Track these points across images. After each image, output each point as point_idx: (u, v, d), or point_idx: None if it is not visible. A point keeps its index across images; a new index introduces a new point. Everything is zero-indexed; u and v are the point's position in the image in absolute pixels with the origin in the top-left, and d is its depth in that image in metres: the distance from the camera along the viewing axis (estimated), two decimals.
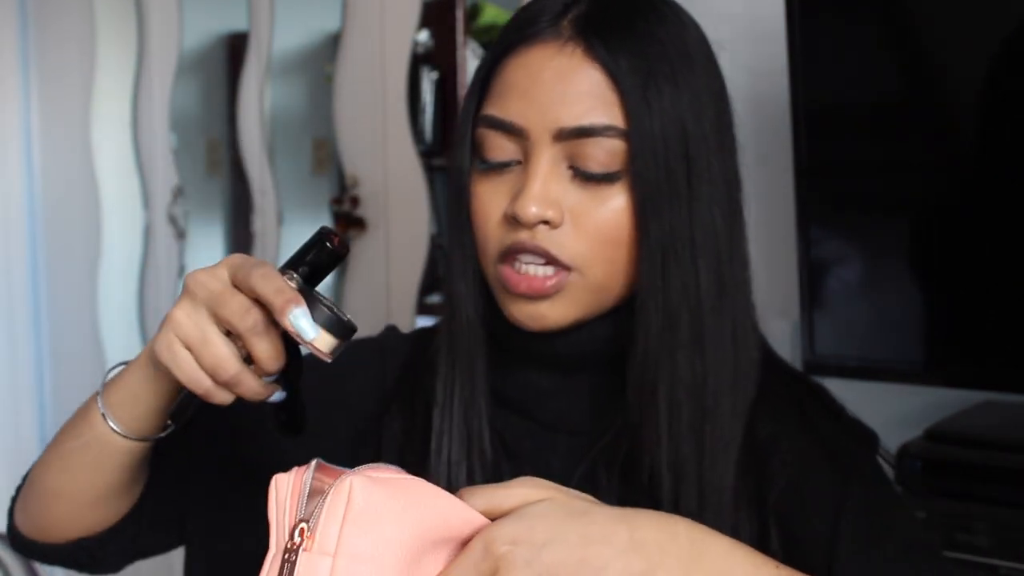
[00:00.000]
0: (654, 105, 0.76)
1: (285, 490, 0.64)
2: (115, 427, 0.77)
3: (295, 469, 0.66)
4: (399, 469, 0.67)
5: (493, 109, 0.80)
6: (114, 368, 0.80)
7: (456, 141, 0.83)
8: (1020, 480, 1.24)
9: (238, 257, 0.71)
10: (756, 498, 0.80)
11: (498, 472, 0.84)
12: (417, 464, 0.85)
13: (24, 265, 3.06)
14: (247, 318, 0.68)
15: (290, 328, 0.67)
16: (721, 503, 0.78)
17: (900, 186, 1.40)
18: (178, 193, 2.82)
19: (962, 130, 1.35)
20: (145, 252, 2.91)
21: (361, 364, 0.93)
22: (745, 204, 0.84)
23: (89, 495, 0.82)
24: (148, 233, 2.90)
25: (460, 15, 2.22)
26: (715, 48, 0.84)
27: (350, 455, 0.87)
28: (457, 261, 0.84)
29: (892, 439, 1.36)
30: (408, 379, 0.91)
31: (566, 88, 0.77)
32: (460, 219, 0.83)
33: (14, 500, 0.90)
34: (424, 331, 0.95)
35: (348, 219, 2.39)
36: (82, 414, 0.81)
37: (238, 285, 0.69)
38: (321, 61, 2.57)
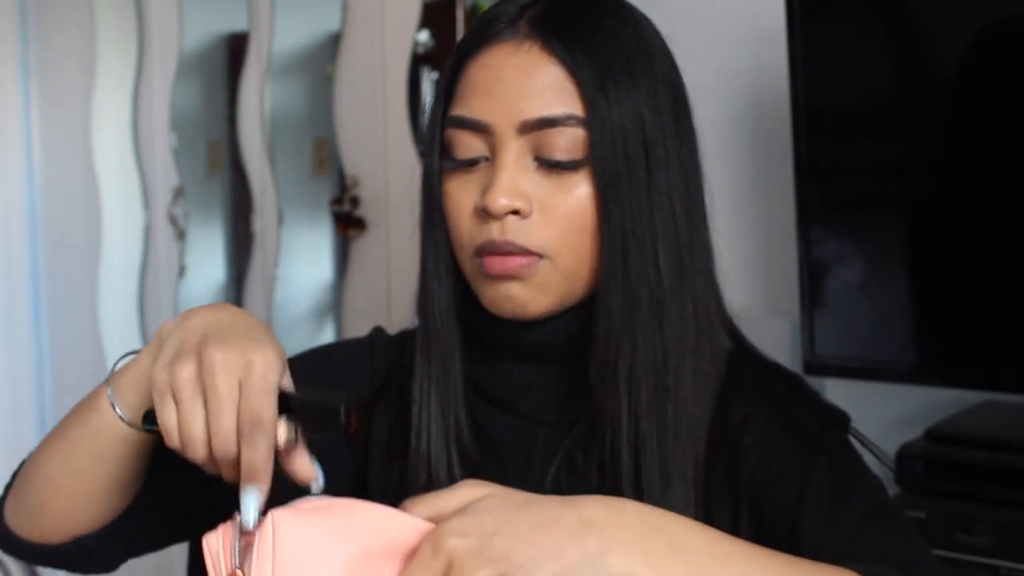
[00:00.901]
0: (611, 95, 0.80)
1: (216, 546, 0.65)
2: (122, 414, 0.77)
3: (221, 525, 0.67)
4: (329, 498, 0.67)
5: (459, 109, 0.83)
6: (122, 359, 0.80)
7: (425, 144, 0.87)
8: (1020, 480, 1.24)
9: (261, 364, 0.68)
10: (728, 479, 0.82)
11: (480, 465, 0.85)
12: (402, 461, 0.87)
13: (24, 265, 3.06)
14: (225, 449, 0.68)
15: (241, 500, 0.68)
16: (686, 479, 0.80)
17: (900, 186, 1.41)
18: (178, 193, 2.82)
19: (962, 130, 1.35)
20: (145, 252, 2.91)
21: (354, 364, 0.95)
22: (708, 193, 0.87)
23: (90, 487, 0.81)
24: (148, 233, 2.90)
25: (460, 15, 2.23)
26: (669, 43, 0.87)
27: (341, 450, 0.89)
28: (430, 260, 0.87)
29: (892, 439, 1.36)
30: (394, 376, 0.93)
31: (527, 83, 0.80)
32: (432, 219, 0.86)
33: (3, 499, 0.88)
34: (409, 332, 0.97)
35: (348, 219, 2.39)
36: (88, 401, 0.80)
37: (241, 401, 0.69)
38: (321, 61, 2.57)
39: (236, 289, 2.80)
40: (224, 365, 0.68)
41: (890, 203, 1.42)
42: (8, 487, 0.88)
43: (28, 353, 3.07)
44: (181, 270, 2.84)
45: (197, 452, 0.70)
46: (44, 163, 3.08)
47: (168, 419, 0.70)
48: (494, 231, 0.81)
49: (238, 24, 2.68)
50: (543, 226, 0.81)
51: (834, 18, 1.43)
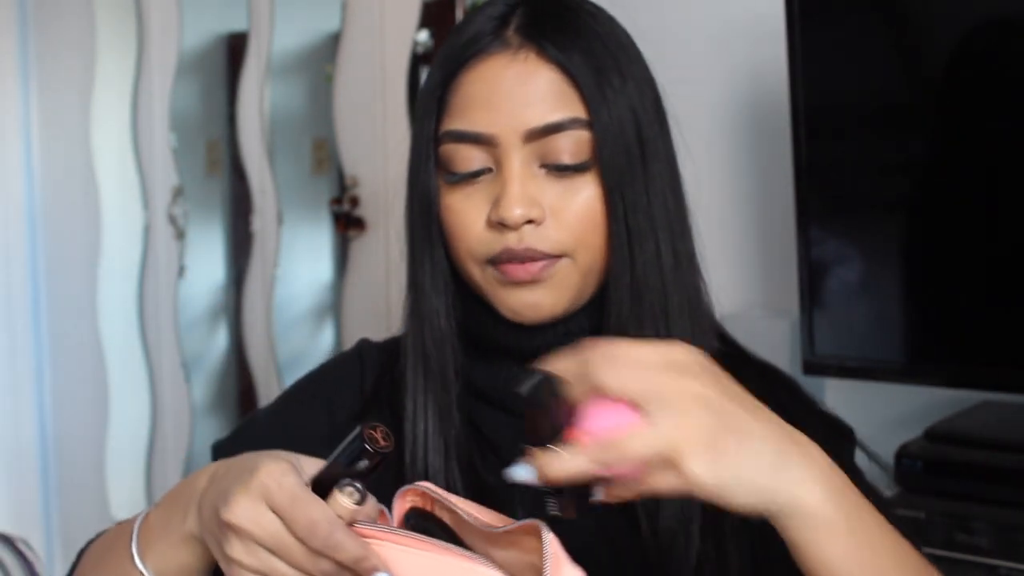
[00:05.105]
0: (608, 95, 0.82)
1: None
2: None
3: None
4: None
5: (457, 123, 0.83)
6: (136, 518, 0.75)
7: (417, 161, 0.86)
8: (1020, 480, 1.24)
9: (271, 481, 0.64)
10: None
11: (477, 472, 0.86)
12: (397, 474, 0.85)
13: (24, 265, 3.06)
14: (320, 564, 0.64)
15: None
16: None
17: (900, 186, 1.41)
18: (178, 193, 2.82)
19: (962, 130, 1.35)
20: (145, 252, 2.91)
21: (344, 382, 0.94)
22: (684, 182, 0.90)
23: None
24: (148, 233, 2.90)
25: (460, 15, 2.22)
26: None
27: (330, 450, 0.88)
28: (427, 276, 0.87)
29: (892, 439, 1.36)
30: (384, 386, 0.92)
31: (527, 91, 0.81)
32: (430, 234, 0.86)
33: None
34: (395, 341, 0.96)
35: (348, 219, 2.40)
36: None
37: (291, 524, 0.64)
38: (321, 61, 2.57)
39: (236, 289, 2.80)
40: (251, 514, 0.64)
41: (890, 203, 1.42)
42: None
43: (28, 353, 3.07)
44: (181, 270, 2.84)
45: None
46: (44, 163, 3.08)
47: None
48: (511, 240, 0.82)
49: (238, 24, 2.68)
50: (557, 230, 0.82)
51: (834, 18, 1.43)
